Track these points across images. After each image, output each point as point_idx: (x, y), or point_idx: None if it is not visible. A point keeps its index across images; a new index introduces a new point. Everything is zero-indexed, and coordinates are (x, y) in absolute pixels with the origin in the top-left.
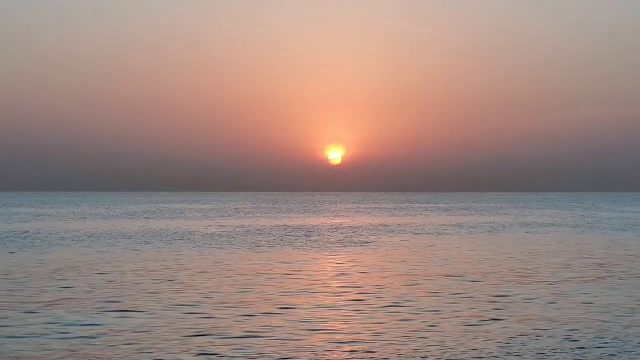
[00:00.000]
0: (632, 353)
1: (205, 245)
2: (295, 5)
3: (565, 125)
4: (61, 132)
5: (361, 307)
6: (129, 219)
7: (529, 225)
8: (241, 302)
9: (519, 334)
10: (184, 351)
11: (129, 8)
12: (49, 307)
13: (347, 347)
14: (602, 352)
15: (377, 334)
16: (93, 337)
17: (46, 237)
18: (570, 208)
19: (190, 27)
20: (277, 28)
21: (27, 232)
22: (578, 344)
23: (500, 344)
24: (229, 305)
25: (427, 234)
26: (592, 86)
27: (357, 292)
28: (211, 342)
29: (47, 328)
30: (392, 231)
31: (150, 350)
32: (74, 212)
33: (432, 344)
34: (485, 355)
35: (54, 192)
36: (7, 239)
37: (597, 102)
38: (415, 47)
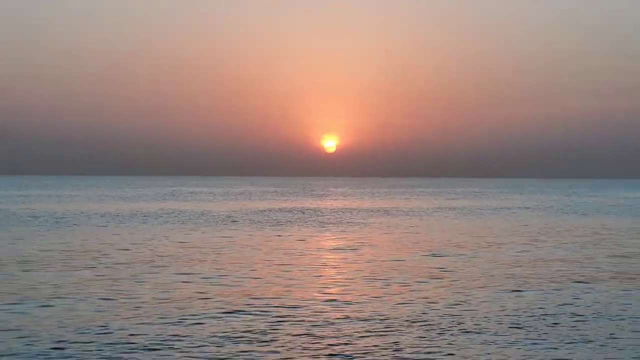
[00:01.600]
0: None
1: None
2: None
3: (544, 115)
4: (59, 121)
5: (355, 282)
6: (156, 201)
7: (510, 209)
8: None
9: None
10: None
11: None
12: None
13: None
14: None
15: (375, 312)
16: None
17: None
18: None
19: (190, 19)
20: (275, 20)
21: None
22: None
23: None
24: (226, 274)
25: (414, 216)
26: (569, 80)
27: (352, 268)
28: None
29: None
30: (383, 213)
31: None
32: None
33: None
34: (500, 330)
35: (51, 176)
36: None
37: (574, 95)
38: (407, 42)
